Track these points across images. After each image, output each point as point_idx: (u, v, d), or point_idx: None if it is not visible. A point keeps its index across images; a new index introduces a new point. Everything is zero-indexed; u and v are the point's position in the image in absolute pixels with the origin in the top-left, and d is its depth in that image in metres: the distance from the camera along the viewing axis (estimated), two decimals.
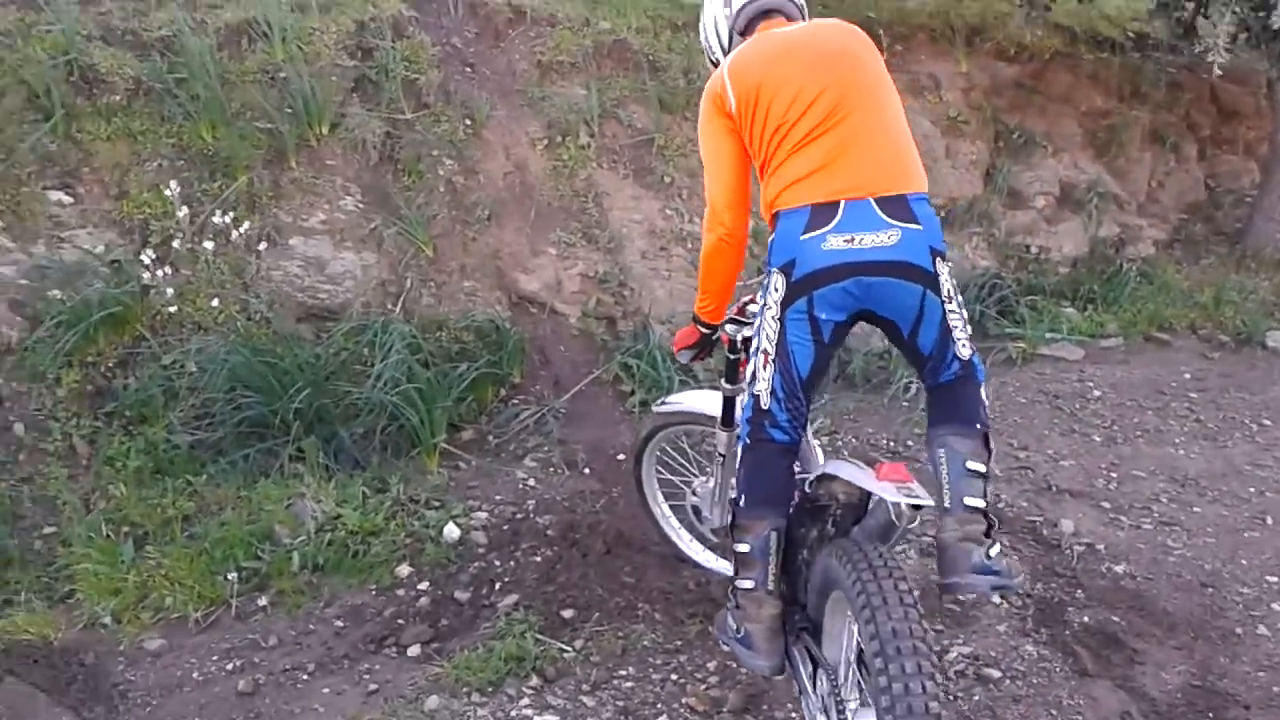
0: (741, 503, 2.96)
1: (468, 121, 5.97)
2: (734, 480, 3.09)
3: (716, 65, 3.13)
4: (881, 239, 2.67)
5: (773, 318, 2.81)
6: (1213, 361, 6.03)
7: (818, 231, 2.68)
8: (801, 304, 2.75)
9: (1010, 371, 5.82)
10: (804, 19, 3.14)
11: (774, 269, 2.79)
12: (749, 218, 3.06)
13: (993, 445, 2.79)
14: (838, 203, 2.69)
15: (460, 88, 6.11)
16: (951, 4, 7.99)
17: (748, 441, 2.98)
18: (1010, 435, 5.01)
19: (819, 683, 2.69)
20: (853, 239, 2.66)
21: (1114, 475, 4.71)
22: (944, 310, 2.77)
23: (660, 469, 3.99)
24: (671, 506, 4.04)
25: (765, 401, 2.89)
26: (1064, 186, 7.46)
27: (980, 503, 2.70)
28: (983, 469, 2.75)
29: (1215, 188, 8.31)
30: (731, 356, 3.31)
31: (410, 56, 5.99)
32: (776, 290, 2.78)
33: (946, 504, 2.69)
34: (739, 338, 3.26)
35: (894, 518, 2.66)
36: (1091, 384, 5.61)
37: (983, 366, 2.88)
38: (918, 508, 2.59)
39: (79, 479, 4.31)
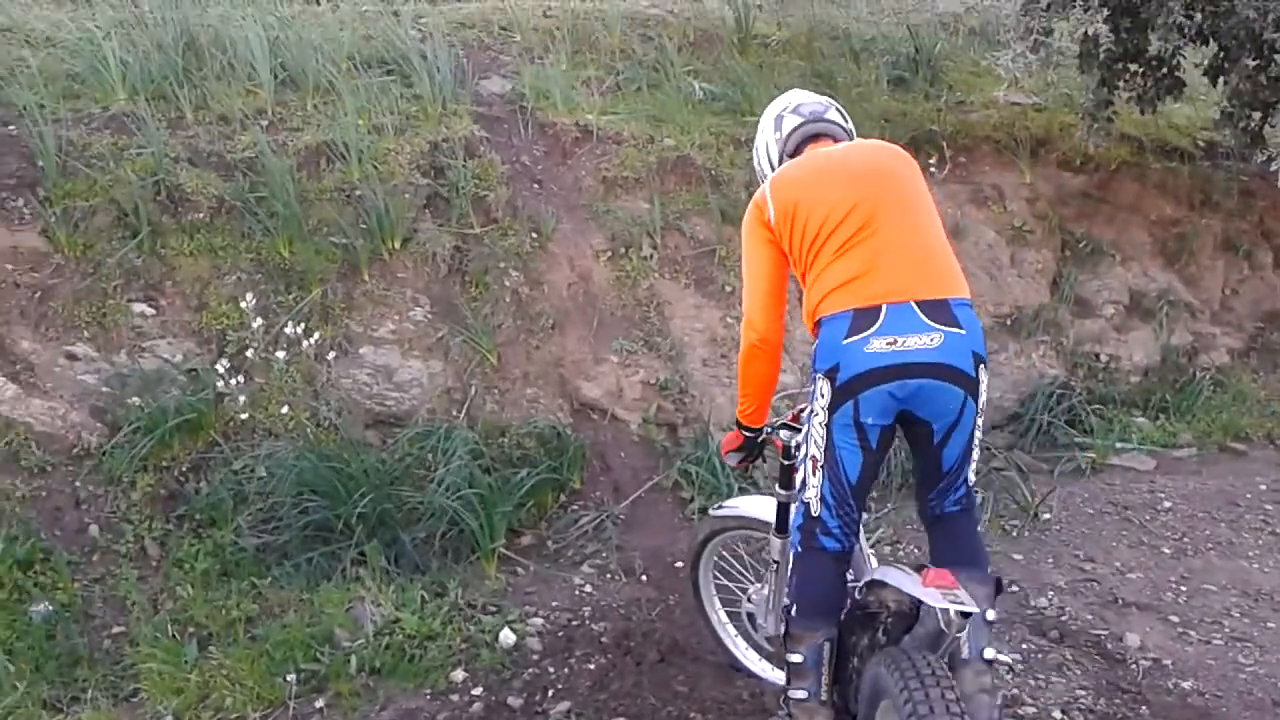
0: (794, 611, 2.99)
1: (534, 235, 6.15)
2: (786, 588, 3.10)
3: None
4: (925, 341, 2.73)
5: (820, 424, 2.87)
6: None
7: (861, 335, 2.75)
8: (848, 408, 2.80)
9: (1079, 482, 5.73)
10: (851, 139, 3.26)
11: (819, 374, 2.86)
12: (783, 324, 3.15)
13: (1004, 589, 2.82)
14: (880, 306, 2.76)
15: (528, 203, 6.31)
16: (1016, 116, 8.07)
17: (799, 549, 3.02)
18: (1076, 546, 4.92)
19: None
20: (896, 341, 2.72)
21: (1183, 588, 4.58)
22: (976, 421, 2.81)
23: (717, 575, 3.99)
24: (728, 613, 4.02)
25: (816, 509, 2.94)
26: (1133, 295, 7.39)
27: (995, 655, 2.77)
28: (994, 617, 2.81)
29: None
30: (785, 463, 3.34)
31: (480, 174, 6.21)
32: (822, 396, 2.84)
33: (964, 655, 2.70)
34: (793, 444, 3.29)
35: (943, 625, 2.64)
36: (1162, 495, 5.49)
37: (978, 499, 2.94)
38: (966, 615, 2.58)
39: (148, 580, 4.42)
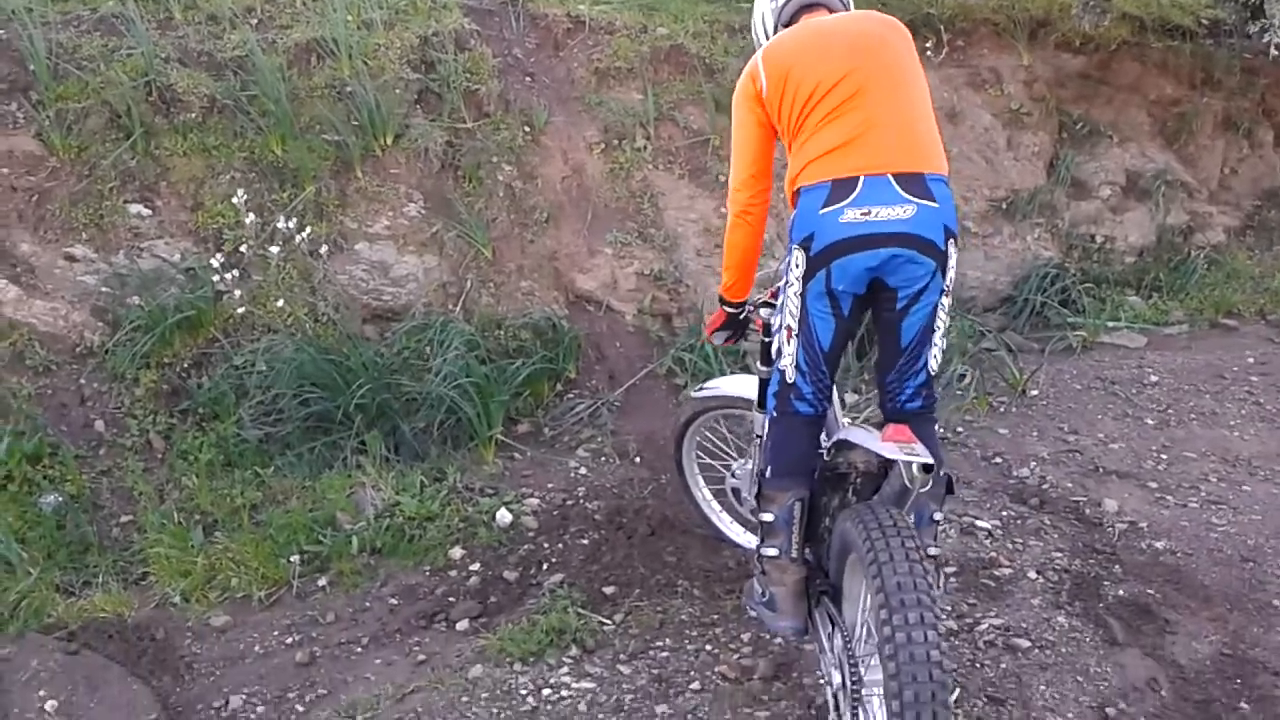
0: (767, 473, 3.09)
1: (527, 128, 6.15)
2: (760, 449, 3.20)
3: None
4: (898, 213, 2.77)
5: (795, 294, 2.93)
6: (1279, 346, 5.92)
7: (836, 205, 2.79)
8: (821, 276, 2.86)
9: (1068, 360, 5.80)
10: (847, 10, 3.26)
11: (794, 245, 2.90)
12: (768, 197, 3.17)
13: (955, 490, 2.97)
14: (857, 178, 2.79)
15: (520, 96, 6.30)
16: None
17: (774, 415, 3.11)
18: (1061, 420, 5.01)
19: (834, 641, 2.77)
20: (870, 211, 2.77)
21: (1164, 457, 4.68)
22: (940, 297, 2.88)
23: (700, 454, 4.10)
24: (712, 490, 4.14)
25: (791, 375, 3.02)
26: (1130, 176, 7.37)
27: (938, 552, 2.90)
28: (940, 519, 2.95)
29: None
30: (765, 340, 3.39)
31: (471, 68, 6.19)
32: (797, 266, 2.90)
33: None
34: (772, 321, 3.33)
35: (906, 481, 2.71)
36: (1150, 370, 5.56)
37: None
38: (927, 469, 2.66)
39: (154, 472, 4.56)
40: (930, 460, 2.65)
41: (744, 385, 3.72)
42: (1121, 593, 3.66)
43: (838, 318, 2.93)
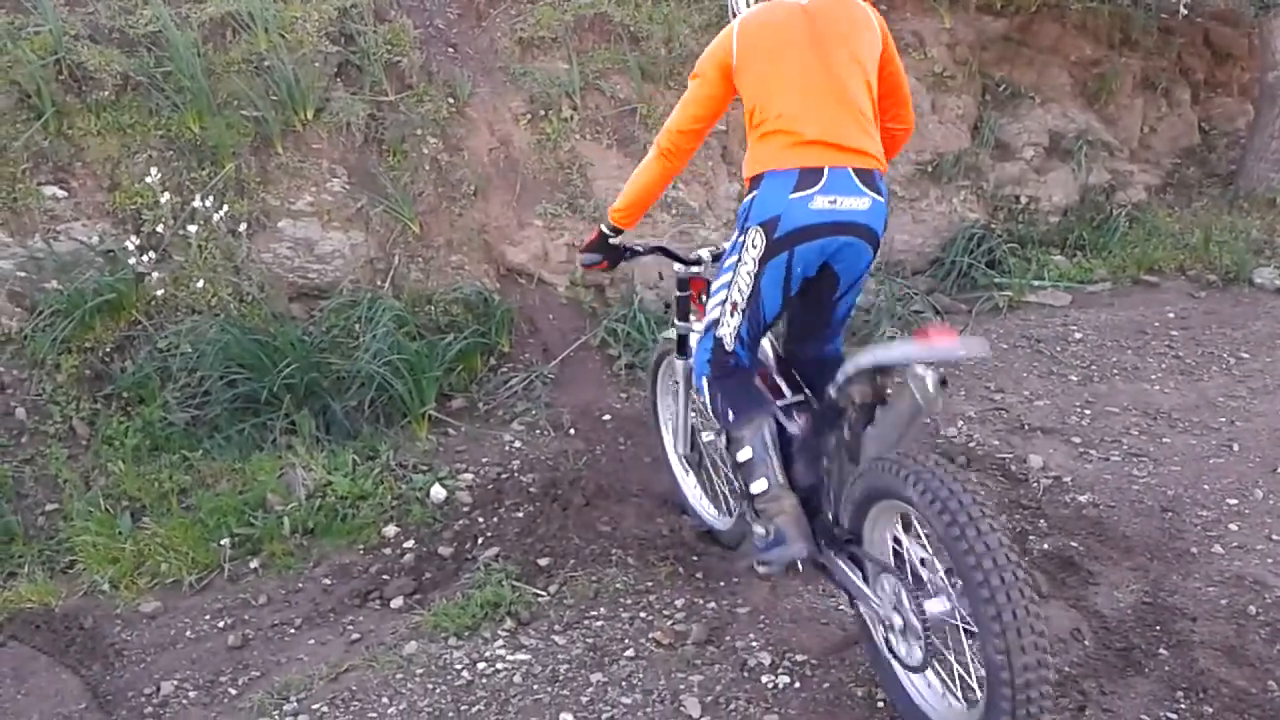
0: (730, 417, 3.16)
1: (451, 100, 6.08)
2: (713, 411, 3.25)
3: None
4: (857, 204, 2.94)
5: (747, 272, 3.04)
6: (1198, 300, 6.07)
7: (805, 192, 2.91)
8: (782, 258, 2.98)
9: (995, 320, 5.89)
10: None
11: (754, 225, 2.99)
12: (692, 152, 3.31)
13: None
14: (822, 169, 2.92)
15: (443, 67, 6.23)
16: None
17: (710, 374, 3.21)
18: (988, 379, 5.09)
19: (880, 585, 2.81)
20: (835, 201, 2.92)
21: (1087, 412, 4.78)
22: (864, 281, 3.17)
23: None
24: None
25: (730, 345, 3.16)
26: (1053, 136, 7.46)
27: None
28: None
29: (1209, 130, 8.30)
30: (679, 294, 3.66)
31: (392, 40, 6.11)
32: (754, 246, 3.00)
33: None
34: (684, 276, 3.64)
35: (920, 399, 2.69)
36: (1074, 327, 5.67)
37: None
38: (944, 383, 2.68)
39: (79, 459, 4.47)
40: (964, 354, 2.79)
41: None
42: (1046, 546, 3.74)
43: (785, 296, 3.08)
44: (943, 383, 2.66)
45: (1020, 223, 6.95)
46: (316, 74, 5.76)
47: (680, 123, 3.24)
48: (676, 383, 3.84)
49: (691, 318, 3.68)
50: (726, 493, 3.86)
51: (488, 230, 5.85)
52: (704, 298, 3.44)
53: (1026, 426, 4.65)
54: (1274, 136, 7.39)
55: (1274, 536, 3.85)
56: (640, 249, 3.72)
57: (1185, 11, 5.80)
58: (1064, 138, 7.45)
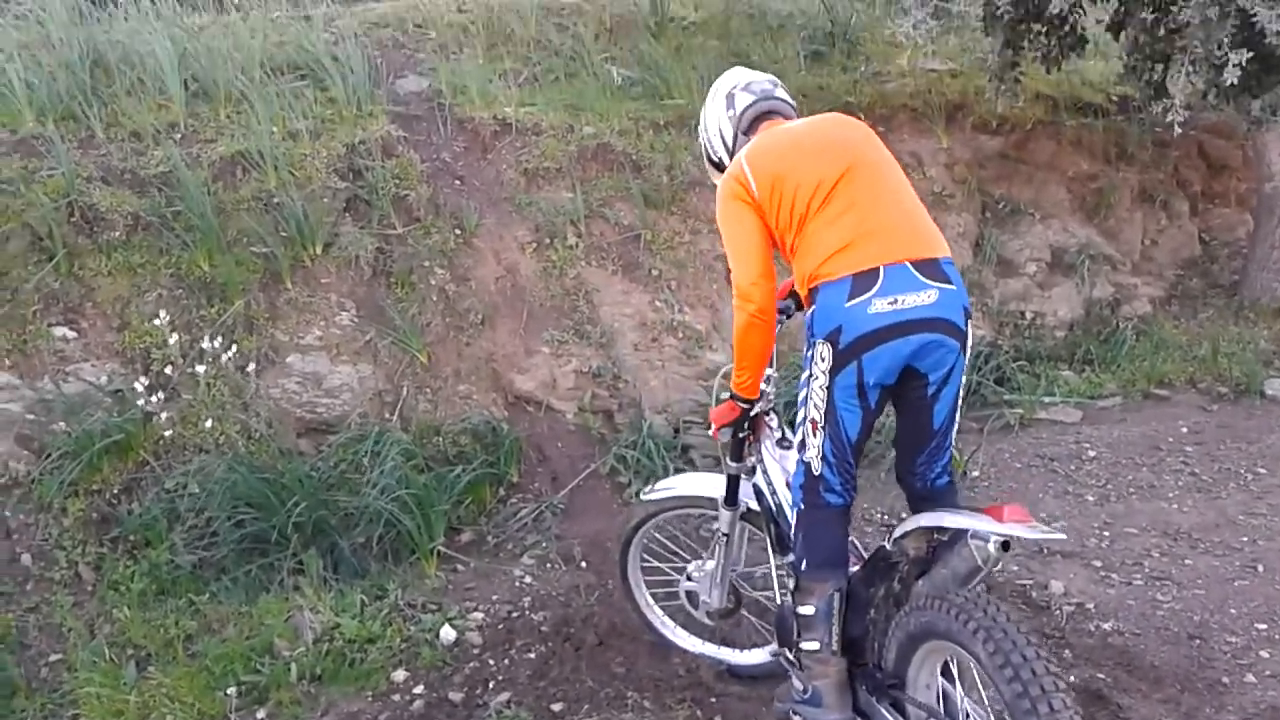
0: (804, 567, 3.08)
1: (458, 231, 6.16)
2: (794, 544, 3.16)
3: (716, 165, 3.39)
4: (922, 298, 2.83)
5: (820, 387, 2.95)
6: (1210, 414, 6.04)
7: (862, 297, 2.83)
8: (852, 369, 2.89)
9: (1007, 438, 5.85)
10: (800, 116, 3.35)
11: (818, 340, 2.92)
12: (775, 293, 3.17)
13: None
14: (878, 269, 2.84)
15: (450, 200, 6.33)
16: (932, 82, 8.15)
17: (802, 507, 3.12)
18: (1003, 500, 5.01)
19: None
20: (896, 300, 2.82)
21: (1106, 533, 4.71)
22: (962, 378, 2.99)
23: (645, 557, 4.04)
24: (653, 595, 4.08)
25: (817, 468, 3.04)
26: (1054, 251, 7.53)
27: None
28: None
29: (1210, 241, 8.36)
30: (740, 435, 3.43)
31: (400, 174, 6.22)
32: (823, 360, 2.92)
33: None
34: (755, 414, 3.40)
35: (980, 561, 2.70)
36: (1087, 444, 5.62)
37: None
38: (1006, 546, 2.66)
39: (84, 605, 4.41)
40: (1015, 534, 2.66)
41: (702, 484, 3.72)
42: (1072, 679, 3.64)
43: (865, 409, 2.96)
44: (1005, 546, 2.63)
45: (1027, 338, 6.97)
46: (325, 209, 5.84)
47: (749, 277, 3.06)
48: (725, 535, 3.59)
49: (747, 457, 3.49)
50: (759, 624, 3.77)
51: (495, 359, 5.87)
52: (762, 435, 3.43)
53: (1045, 550, 4.58)
54: (1275, 247, 7.44)
55: None
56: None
57: (1179, 129, 5.87)
58: (1066, 252, 7.51)
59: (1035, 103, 8.12)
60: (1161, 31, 6.38)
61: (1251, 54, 5.46)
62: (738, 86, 3.36)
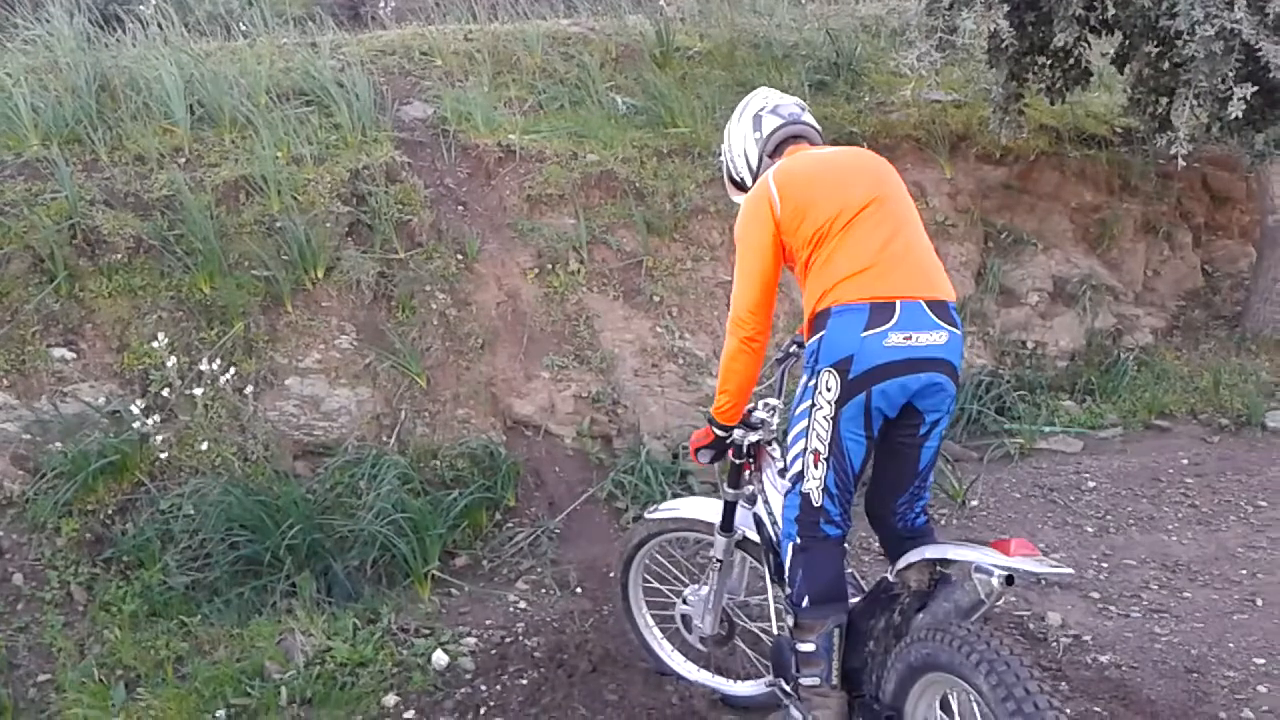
0: (804, 603, 3.05)
1: (459, 256, 6.17)
2: (789, 581, 3.13)
3: (738, 184, 3.41)
4: (934, 338, 2.86)
5: (825, 417, 2.93)
6: (1211, 445, 6.01)
7: (878, 329, 2.83)
8: (859, 400, 2.88)
9: (1007, 467, 5.82)
10: (826, 144, 3.37)
11: (825, 367, 2.91)
12: (770, 324, 3.19)
13: None
14: (894, 303, 2.85)
15: (452, 225, 6.34)
16: (936, 113, 8.17)
17: (800, 541, 3.07)
18: (1003, 530, 5.00)
19: None
20: (911, 337, 2.84)
21: (1105, 565, 4.68)
22: (947, 422, 3.01)
23: (647, 578, 4.02)
24: (653, 616, 4.06)
25: (818, 499, 3.01)
26: (1057, 281, 7.52)
27: None
28: None
29: (1212, 273, 8.35)
30: (736, 461, 3.41)
31: (403, 199, 6.24)
32: (828, 390, 2.91)
33: None
34: (745, 443, 3.39)
35: (983, 595, 2.71)
36: (1087, 475, 5.60)
37: None
38: (1010, 581, 2.65)
39: (75, 625, 4.38)
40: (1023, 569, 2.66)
41: (705, 508, 3.70)
42: (1070, 711, 3.59)
43: (869, 440, 2.96)
44: (1009, 580, 2.61)
45: (1028, 368, 6.94)
46: (328, 234, 5.86)
47: (748, 304, 3.11)
48: (720, 560, 3.59)
49: (746, 485, 3.47)
50: (753, 656, 3.73)
51: (495, 383, 5.86)
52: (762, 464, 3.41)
53: (1043, 581, 4.55)
54: (1277, 279, 7.42)
55: None
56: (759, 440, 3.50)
57: (1183, 161, 5.88)
58: (1068, 282, 7.50)
59: (1039, 134, 8.14)
60: (1166, 65, 6.40)
61: (1256, 88, 5.48)
62: (765, 109, 3.37)
